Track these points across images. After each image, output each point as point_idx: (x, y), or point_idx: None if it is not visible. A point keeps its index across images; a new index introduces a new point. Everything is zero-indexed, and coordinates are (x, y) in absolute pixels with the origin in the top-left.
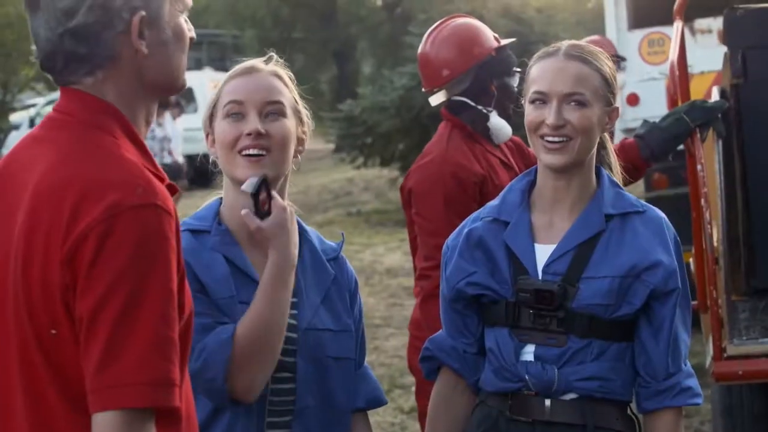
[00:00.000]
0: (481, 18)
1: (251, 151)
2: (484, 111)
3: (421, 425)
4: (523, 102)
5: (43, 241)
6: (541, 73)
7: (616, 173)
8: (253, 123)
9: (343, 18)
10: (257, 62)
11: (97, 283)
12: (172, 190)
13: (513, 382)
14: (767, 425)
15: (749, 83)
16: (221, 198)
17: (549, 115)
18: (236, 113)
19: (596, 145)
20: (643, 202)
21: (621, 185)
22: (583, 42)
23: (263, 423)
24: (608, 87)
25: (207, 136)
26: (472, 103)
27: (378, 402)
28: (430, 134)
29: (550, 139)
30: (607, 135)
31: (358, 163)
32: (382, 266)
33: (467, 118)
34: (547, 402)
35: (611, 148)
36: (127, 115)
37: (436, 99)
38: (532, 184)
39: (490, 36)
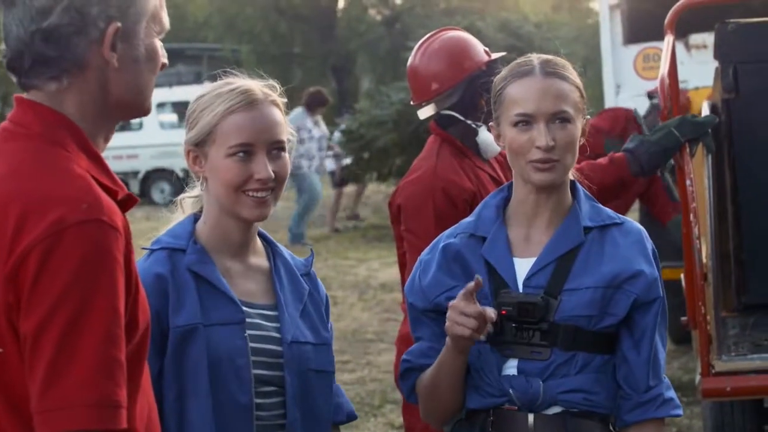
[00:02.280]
0: (478, 33)
1: (260, 194)
2: (473, 125)
3: None
4: (493, 122)
5: None
6: (522, 94)
7: None
8: (265, 169)
9: (342, 33)
10: (255, 90)
11: (40, 302)
12: (131, 201)
13: (496, 396)
14: None
15: (741, 98)
16: (195, 215)
17: (539, 137)
18: (244, 153)
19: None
20: (619, 214)
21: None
22: (554, 57)
23: None
24: (583, 99)
25: (189, 153)
26: (461, 117)
27: (353, 416)
28: None
29: (541, 158)
30: None
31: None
32: (377, 281)
33: (456, 133)
34: (531, 417)
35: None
36: (85, 129)
37: (425, 113)
38: (507, 200)
39: (480, 50)
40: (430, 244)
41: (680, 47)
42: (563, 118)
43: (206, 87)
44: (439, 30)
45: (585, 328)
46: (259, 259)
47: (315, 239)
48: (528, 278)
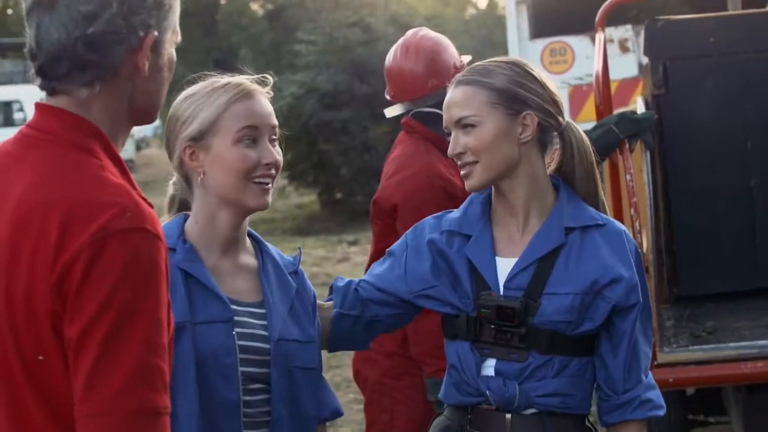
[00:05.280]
0: (368, 26)
1: (265, 180)
2: None
3: None
4: None
5: (28, 264)
6: (443, 106)
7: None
8: (271, 153)
9: (224, 27)
10: (248, 82)
11: (84, 308)
12: (151, 208)
13: (473, 396)
14: None
15: (670, 94)
16: (185, 215)
17: (449, 145)
18: (250, 139)
19: (532, 154)
20: (603, 215)
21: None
22: (484, 61)
23: None
24: (505, 95)
25: (186, 149)
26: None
27: (338, 413)
28: (317, 143)
29: (460, 167)
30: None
31: None
32: None
33: (440, 130)
34: (508, 416)
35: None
36: (108, 135)
37: (394, 111)
38: (491, 197)
39: (455, 50)
40: (415, 228)
41: (586, 41)
42: (467, 124)
43: (192, 89)
44: (416, 30)
45: (563, 333)
46: (247, 257)
47: None
48: (509, 280)
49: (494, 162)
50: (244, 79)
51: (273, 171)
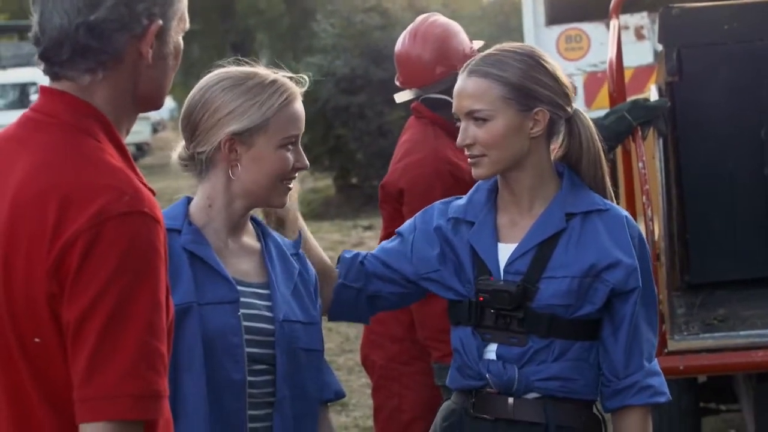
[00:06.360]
0: (386, 11)
1: (291, 184)
2: None
3: (375, 420)
4: None
5: (26, 247)
6: (454, 93)
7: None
8: (305, 159)
9: (242, 10)
10: (293, 85)
11: (83, 292)
12: (152, 193)
13: (475, 379)
14: (694, 420)
15: (684, 81)
16: (188, 198)
17: (459, 135)
18: (292, 144)
19: (540, 146)
20: (606, 200)
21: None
22: (496, 50)
23: (245, 416)
24: (519, 91)
25: (226, 141)
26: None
27: (341, 394)
28: (333, 127)
29: (467, 156)
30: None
31: None
32: None
33: (448, 116)
34: (510, 400)
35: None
36: (112, 122)
37: (404, 96)
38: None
39: (466, 36)
40: (421, 216)
41: (602, 28)
42: (479, 118)
43: (228, 77)
44: (427, 15)
45: (562, 317)
46: (251, 239)
47: None
48: (508, 264)
49: (503, 156)
50: (287, 80)
51: (297, 173)
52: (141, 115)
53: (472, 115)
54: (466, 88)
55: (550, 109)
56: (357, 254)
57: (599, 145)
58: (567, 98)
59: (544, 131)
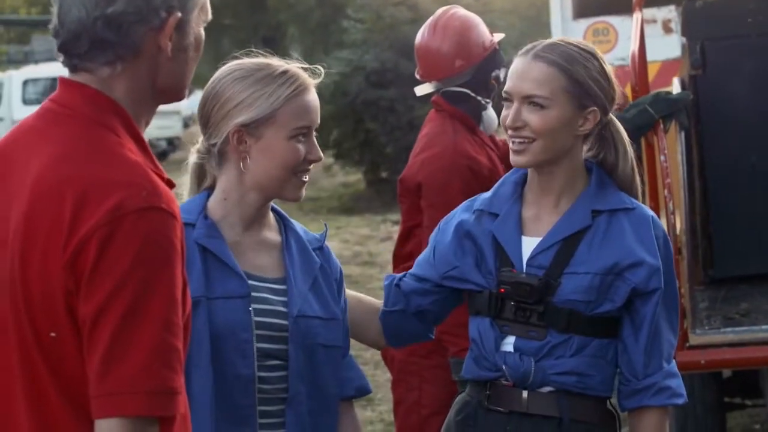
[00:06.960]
0: (415, 5)
1: (305, 175)
2: (483, 102)
3: (395, 414)
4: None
5: (43, 242)
6: (511, 72)
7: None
8: (318, 151)
9: (272, 4)
10: (305, 76)
11: (99, 287)
12: (171, 186)
13: (491, 371)
14: (719, 415)
15: (707, 74)
16: (208, 192)
17: (509, 115)
18: (303, 135)
19: (579, 144)
20: (633, 200)
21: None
22: (563, 42)
23: (255, 411)
24: (581, 88)
25: (235, 133)
26: (473, 95)
27: (365, 390)
28: (364, 121)
29: (513, 139)
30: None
31: None
32: None
33: (467, 109)
34: (525, 393)
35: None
36: (131, 114)
37: (424, 89)
38: (526, 176)
39: (486, 29)
40: (445, 218)
41: (630, 22)
42: (536, 103)
43: (240, 68)
44: (447, 8)
45: (582, 312)
46: (271, 233)
47: None
48: (532, 257)
49: (550, 147)
50: (299, 70)
51: (311, 166)
52: (172, 109)
53: (529, 99)
54: (531, 71)
55: (600, 111)
56: (393, 278)
57: (632, 153)
58: (613, 104)
59: (590, 132)
